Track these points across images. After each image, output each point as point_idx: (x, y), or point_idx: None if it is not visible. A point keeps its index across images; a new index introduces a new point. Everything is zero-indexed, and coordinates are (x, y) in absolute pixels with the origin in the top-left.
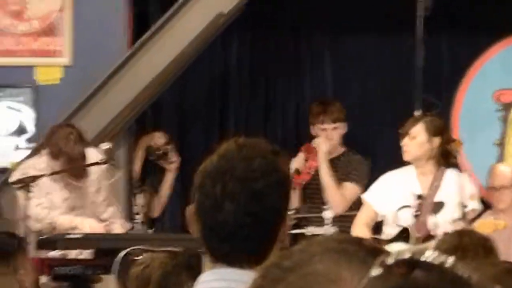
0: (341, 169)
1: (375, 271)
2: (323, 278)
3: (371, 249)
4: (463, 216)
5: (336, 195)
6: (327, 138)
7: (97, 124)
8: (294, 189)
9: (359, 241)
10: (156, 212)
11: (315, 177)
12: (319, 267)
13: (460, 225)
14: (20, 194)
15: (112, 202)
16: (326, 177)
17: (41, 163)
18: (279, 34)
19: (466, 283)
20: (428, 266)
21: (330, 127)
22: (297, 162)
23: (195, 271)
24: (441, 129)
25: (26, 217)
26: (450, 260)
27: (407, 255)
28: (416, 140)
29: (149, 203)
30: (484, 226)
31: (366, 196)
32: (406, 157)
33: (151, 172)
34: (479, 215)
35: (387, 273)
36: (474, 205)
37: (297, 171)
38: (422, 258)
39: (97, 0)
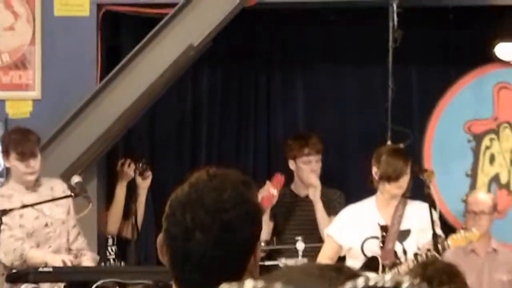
0: None
1: None
2: None
3: (351, 275)
4: (434, 242)
5: None
6: (311, 170)
7: (67, 157)
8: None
9: (339, 267)
10: (132, 233)
11: (290, 214)
12: None
13: (427, 248)
14: None
15: (81, 233)
16: (323, 213)
17: (8, 190)
18: (251, 65)
19: None
20: None
21: (315, 159)
22: (263, 193)
23: None
24: None
25: None
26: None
27: (375, 282)
28: (408, 175)
29: (122, 225)
30: (458, 241)
31: (329, 231)
32: (398, 192)
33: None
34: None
35: None
36: (439, 232)
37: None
38: (385, 284)
39: (68, 33)
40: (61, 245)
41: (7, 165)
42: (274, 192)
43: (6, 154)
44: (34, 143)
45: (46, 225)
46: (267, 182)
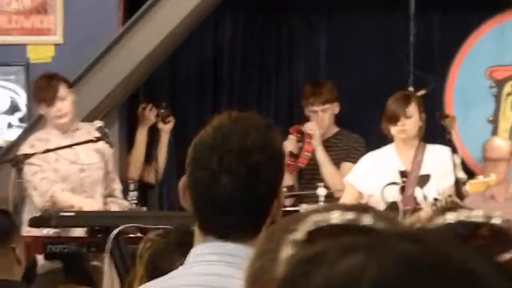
0: (337, 149)
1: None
2: None
3: (381, 216)
4: (456, 188)
5: (336, 177)
6: (318, 120)
7: (89, 102)
8: (291, 173)
9: (366, 208)
10: (154, 178)
11: (312, 161)
12: None
13: (448, 194)
14: (14, 171)
15: (116, 180)
16: (324, 160)
17: (44, 134)
18: (274, 12)
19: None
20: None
21: (320, 109)
22: (289, 145)
23: (188, 249)
24: (423, 104)
25: (22, 193)
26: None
27: (464, 217)
28: (412, 119)
29: (144, 170)
30: (477, 186)
31: (349, 178)
32: (402, 136)
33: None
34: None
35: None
36: (462, 176)
37: (292, 154)
38: (475, 218)
39: None
40: (96, 191)
41: (40, 112)
42: (305, 154)
43: (36, 102)
44: (58, 87)
45: (82, 170)
46: (292, 137)
